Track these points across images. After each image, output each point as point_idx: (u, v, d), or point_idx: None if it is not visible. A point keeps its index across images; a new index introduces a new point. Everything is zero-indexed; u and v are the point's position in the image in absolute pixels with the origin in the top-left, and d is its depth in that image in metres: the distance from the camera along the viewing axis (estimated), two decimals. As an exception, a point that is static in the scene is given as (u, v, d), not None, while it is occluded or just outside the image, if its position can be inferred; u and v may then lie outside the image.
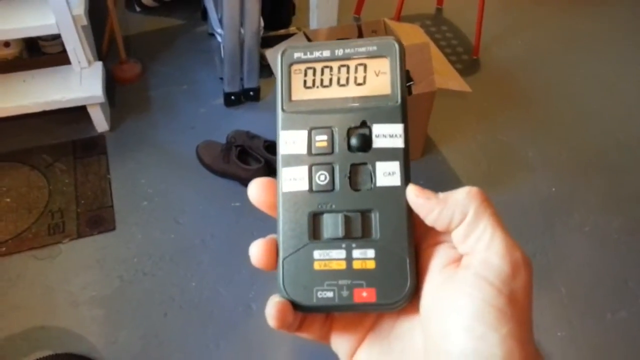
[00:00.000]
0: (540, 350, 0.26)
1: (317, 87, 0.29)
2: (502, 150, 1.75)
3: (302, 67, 0.29)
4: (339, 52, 0.29)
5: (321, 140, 0.28)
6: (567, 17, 2.37)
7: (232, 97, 1.82)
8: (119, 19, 1.85)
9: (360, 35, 1.69)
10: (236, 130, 1.65)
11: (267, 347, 1.24)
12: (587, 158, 1.72)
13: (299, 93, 0.29)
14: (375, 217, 0.28)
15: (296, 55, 0.30)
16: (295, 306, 0.27)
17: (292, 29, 2.02)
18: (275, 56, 0.29)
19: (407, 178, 0.28)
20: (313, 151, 0.28)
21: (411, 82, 1.47)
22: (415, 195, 0.27)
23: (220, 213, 1.50)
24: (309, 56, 0.29)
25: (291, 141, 0.29)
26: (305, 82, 0.29)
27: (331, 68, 0.29)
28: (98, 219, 1.47)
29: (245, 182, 1.57)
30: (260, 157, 1.59)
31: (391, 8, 2.12)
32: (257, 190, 0.29)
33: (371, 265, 0.27)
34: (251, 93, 1.84)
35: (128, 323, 1.27)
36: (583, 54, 2.17)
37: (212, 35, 2.02)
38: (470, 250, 0.25)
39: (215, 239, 1.44)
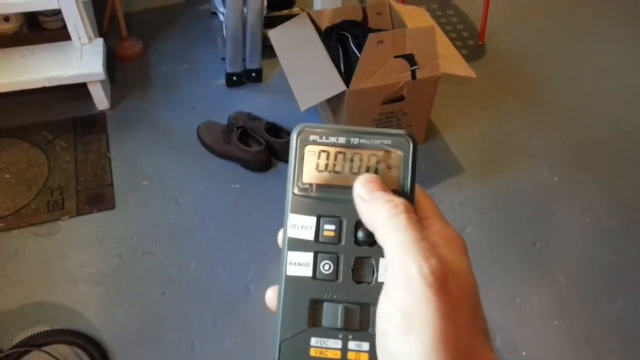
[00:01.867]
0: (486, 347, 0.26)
1: (330, 172, 0.30)
2: (505, 138, 1.74)
3: (317, 149, 0.30)
4: (355, 141, 0.30)
5: (329, 230, 0.29)
6: (574, 3, 2.33)
7: (234, 78, 1.81)
8: (121, -4, 1.82)
9: (365, 17, 1.67)
10: (238, 112, 1.63)
11: (265, 328, 1.25)
12: (590, 148, 1.71)
13: (311, 175, 0.30)
14: (373, 312, 0.28)
15: (312, 137, 0.30)
16: None
17: (295, 9, 2.00)
18: (292, 136, 0.30)
19: None
20: (320, 239, 0.29)
21: (415, 67, 1.45)
22: (360, 187, 0.29)
23: (220, 194, 1.50)
24: (324, 140, 0.30)
25: (299, 226, 0.29)
26: (318, 165, 0.30)
27: (345, 155, 0.30)
28: (98, 197, 1.47)
29: (246, 164, 1.56)
30: (261, 139, 1.58)
31: (397, -9, 2.09)
32: (274, 297, 0.30)
33: (365, 358, 0.28)
34: (253, 74, 1.82)
35: (126, 301, 1.27)
36: (589, 41, 2.14)
37: (215, 14, 2.00)
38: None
39: (215, 220, 1.44)
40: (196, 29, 2.04)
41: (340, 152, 0.30)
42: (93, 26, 1.71)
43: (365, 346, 0.28)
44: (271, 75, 1.86)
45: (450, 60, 1.53)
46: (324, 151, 0.30)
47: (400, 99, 1.52)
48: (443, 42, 1.57)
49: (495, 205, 1.53)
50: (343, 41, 1.60)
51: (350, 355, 0.28)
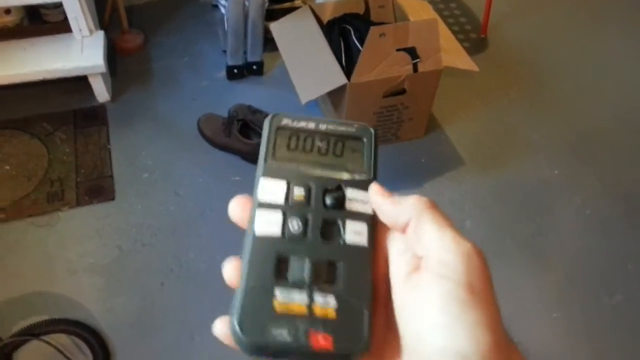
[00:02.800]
0: (513, 340, 0.26)
1: (299, 151, 0.32)
2: (507, 131, 1.73)
3: (288, 132, 0.33)
4: (322, 127, 0.33)
5: (299, 193, 0.31)
6: (578, -2, 2.32)
7: (235, 71, 1.80)
8: (121, -12, 1.82)
9: (367, 9, 1.66)
10: (238, 104, 1.63)
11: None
12: (591, 141, 1.71)
13: (283, 152, 0.32)
14: (340, 268, 0.28)
15: (284, 121, 0.33)
16: (245, 344, 0.26)
17: (297, 2, 1.99)
18: (265, 121, 0.32)
19: (372, 242, 0.29)
20: (290, 202, 0.30)
21: (417, 60, 1.45)
22: (374, 193, 0.30)
23: (220, 186, 1.50)
24: (295, 124, 0.33)
25: (270, 189, 0.31)
26: (289, 144, 0.32)
27: (313, 138, 0.33)
28: (97, 189, 1.47)
29: (246, 156, 1.56)
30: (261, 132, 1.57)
31: (399, -16, 2.08)
32: (237, 208, 0.31)
33: (331, 312, 0.27)
34: (254, 67, 1.82)
35: (125, 291, 1.27)
36: (591, 34, 2.13)
37: (216, 6, 1.99)
38: (426, 252, 0.27)
39: (214, 212, 1.43)
40: (197, 21, 2.04)
41: (309, 136, 0.33)
42: (94, 18, 1.71)
43: (332, 301, 0.27)
44: (272, 67, 1.85)
45: (452, 53, 1.53)
46: (294, 134, 0.33)
47: (402, 92, 1.51)
48: (445, 35, 1.56)
49: (496, 198, 1.53)
50: (345, 34, 1.59)
51: (317, 309, 0.27)
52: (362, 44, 1.44)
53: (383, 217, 0.30)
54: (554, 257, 1.40)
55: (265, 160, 0.32)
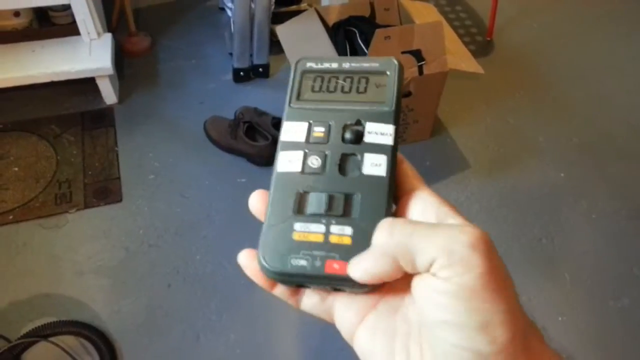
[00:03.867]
0: (534, 325, 0.26)
1: (323, 91, 0.33)
2: (512, 133, 1.73)
3: (313, 74, 0.34)
4: (346, 66, 0.34)
5: (318, 131, 0.31)
6: (582, 0, 2.31)
7: (241, 73, 1.81)
8: (129, -9, 1.83)
9: (373, 12, 1.67)
10: (244, 107, 1.64)
11: (270, 320, 1.25)
12: (597, 144, 1.70)
13: (307, 94, 0.33)
14: (357, 200, 0.29)
15: (309, 65, 0.34)
16: (269, 272, 0.29)
17: (303, 5, 2.00)
18: (292, 66, 0.33)
19: (392, 172, 0.30)
20: (310, 140, 0.31)
21: (423, 62, 1.45)
22: (354, 271, 0.27)
23: (226, 188, 1.51)
24: (319, 66, 0.34)
25: (292, 131, 0.32)
26: (313, 86, 0.33)
27: (337, 78, 0.33)
28: (105, 190, 1.48)
29: (252, 158, 1.57)
30: (267, 134, 1.58)
31: (405, -14, 2.09)
32: (257, 201, 0.31)
33: (347, 241, 0.28)
34: (260, 69, 1.83)
35: (132, 293, 1.28)
36: (597, 37, 2.13)
37: (223, 9, 2.00)
38: (425, 268, 0.25)
39: (221, 213, 1.44)
40: (204, 24, 2.05)
41: (333, 76, 0.33)
42: (102, 21, 1.72)
43: (348, 230, 0.28)
44: (278, 70, 1.86)
45: (457, 56, 1.53)
46: (319, 76, 0.34)
47: (407, 94, 1.52)
48: (451, 38, 1.56)
49: (502, 201, 1.53)
50: (350, 37, 1.60)
51: (333, 238, 0.28)
52: (367, 46, 1.44)
53: (389, 277, 0.27)
54: (560, 260, 1.40)
55: (290, 104, 0.33)
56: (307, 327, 1.24)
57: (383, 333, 0.27)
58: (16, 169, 1.53)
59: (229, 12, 1.76)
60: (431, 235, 0.25)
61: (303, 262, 0.28)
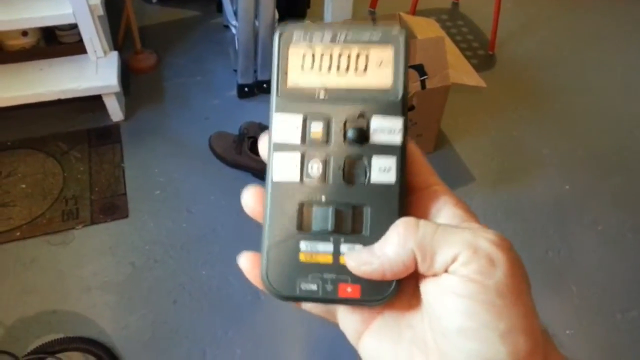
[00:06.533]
0: (546, 329, 0.25)
1: (316, 72, 0.28)
2: (516, 146, 1.74)
3: (301, 49, 0.28)
4: (341, 37, 0.27)
5: (316, 130, 0.27)
6: (585, 13, 2.33)
7: (246, 89, 1.83)
8: (134, 10, 1.86)
9: (375, 28, 1.68)
10: (249, 122, 1.65)
11: (276, 336, 1.25)
12: (602, 156, 1.70)
13: (296, 77, 0.28)
14: (366, 214, 0.27)
15: (295, 36, 0.28)
16: (277, 295, 0.27)
17: (306, 21, 2.02)
18: (274, 37, 0.27)
19: (402, 176, 0.27)
20: (307, 140, 0.27)
21: (425, 77, 1.46)
22: (355, 267, 0.26)
23: (231, 203, 1.51)
24: (308, 39, 0.28)
25: (285, 127, 0.27)
26: (303, 65, 0.28)
27: (331, 53, 0.28)
28: (111, 207, 1.49)
29: (257, 173, 1.58)
30: (272, 149, 1.59)
31: (407, 2, 2.11)
32: (251, 200, 0.28)
33: None
34: (264, 85, 1.84)
35: (139, 309, 1.28)
36: (600, 50, 2.14)
37: (227, 27, 2.03)
38: (443, 267, 0.25)
39: (226, 228, 1.45)
40: (208, 41, 2.08)
41: (326, 50, 0.28)
42: (108, 39, 1.75)
43: (359, 249, 0.26)
44: (282, 86, 1.87)
45: (460, 70, 1.54)
46: (308, 51, 0.28)
47: (410, 108, 1.53)
48: (453, 52, 1.58)
49: (507, 214, 1.53)
50: (353, 52, 1.61)
51: (343, 258, 0.26)
52: (371, 62, 1.46)
53: (390, 277, 0.25)
54: (566, 273, 1.40)
55: (278, 90, 0.28)
56: (313, 342, 1.24)
57: (388, 340, 0.27)
58: (23, 185, 1.54)
59: (233, 30, 1.78)
60: (456, 233, 0.24)
61: (313, 287, 0.26)
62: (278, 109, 0.27)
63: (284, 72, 0.28)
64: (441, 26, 1.75)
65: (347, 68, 0.27)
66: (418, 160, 0.28)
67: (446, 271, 0.24)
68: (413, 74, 1.45)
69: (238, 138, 1.61)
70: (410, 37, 0.28)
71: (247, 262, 0.28)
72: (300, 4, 2.01)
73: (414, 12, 2.10)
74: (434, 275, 0.24)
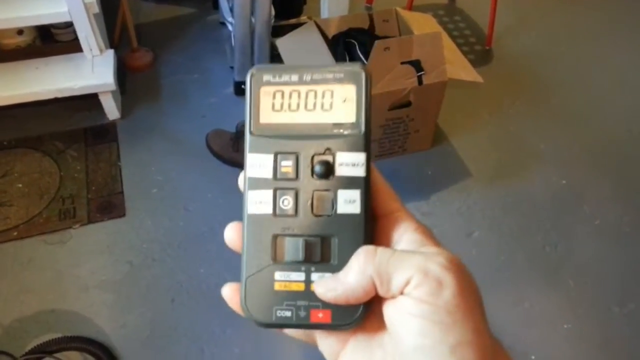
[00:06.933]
0: (500, 343, 0.27)
1: (285, 110, 0.30)
2: (513, 141, 1.73)
3: (271, 89, 0.30)
4: (307, 77, 0.30)
5: (286, 165, 0.29)
6: (581, 8, 2.33)
7: (243, 86, 1.81)
8: (130, 8, 1.86)
9: (372, 24, 1.68)
10: (246, 119, 1.65)
11: (273, 334, 1.25)
12: (599, 151, 1.70)
13: (267, 116, 0.30)
14: (334, 243, 0.29)
15: (265, 77, 0.30)
16: (256, 322, 0.29)
17: (303, 18, 2.02)
18: (246, 79, 0.30)
19: (367, 205, 0.29)
20: (278, 176, 0.29)
21: (422, 72, 1.46)
22: (323, 294, 0.28)
23: (228, 201, 1.51)
24: (278, 79, 0.30)
25: (257, 164, 0.29)
26: (273, 104, 0.30)
27: (299, 92, 0.30)
28: (108, 205, 1.49)
29: (254, 171, 1.57)
30: (269, 146, 1.59)
31: (403, -2, 2.11)
32: (232, 233, 0.31)
33: None
34: (261, 82, 1.84)
35: (136, 308, 1.28)
36: (597, 45, 2.13)
37: (223, 24, 2.02)
38: (399, 290, 0.26)
39: (224, 226, 1.41)
40: (205, 39, 2.07)
41: (294, 90, 0.30)
42: (104, 37, 1.74)
43: (328, 277, 0.28)
44: (279, 83, 1.87)
45: (456, 66, 1.54)
46: (278, 90, 0.30)
47: (407, 104, 1.52)
48: (450, 48, 1.57)
49: (504, 209, 1.53)
50: (350, 48, 1.61)
51: (313, 286, 0.28)
52: (367, 57, 1.46)
53: (355, 302, 0.27)
54: (564, 267, 1.40)
55: (251, 131, 0.30)
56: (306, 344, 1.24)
57: (362, 358, 0.29)
58: (20, 185, 1.54)
59: (230, 27, 1.78)
60: (409, 258, 0.26)
61: (288, 314, 0.28)
62: (251, 150, 0.30)
63: (256, 111, 0.30)
64: (438, 21, 1.75)
65: (314, 106, 0.30)
66: (381, 189, 0.30)
67: (402, 293, 0.26)
68: (410, 69, 1.45)
69: (235, 135, 1.60)
70: (370, 73, 0.30)
71: (229, 292, 0.30)
72: (296, 0, 2.01)
73: (411, 7, 2.09)
74: (392, 297, 0.26)
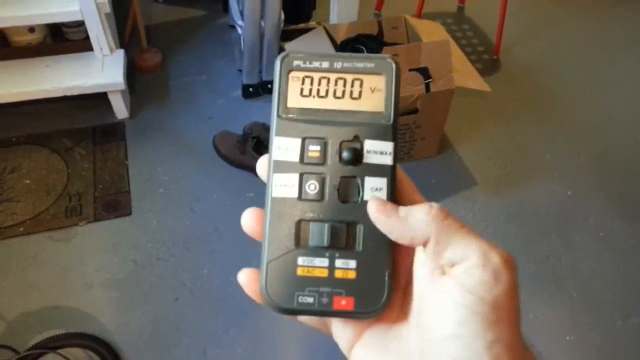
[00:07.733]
0: (530, 350, 0.27)
1: (313, 96, 0.30)
2: (519, 151, 1.74)
3: (300, 74, 0.30)
4: (338, 65, 0.30)
5: (314, 150, 0.29)
6: (589, 19, 2.33)
7: (250, 89, 1.84)
8: (141, 8, 1.87)
9: (381, 30, 1.69)
10: (253, 122, 1.66)
11: (276, 335, 1.26)
12: (604, 162, 1.70)
13: (295, 100, 0.30)
14: (359, 230, 0.28)
15: (295, 62, 0.30)
16: (275, 308, 0.28)
17: (312, 23, 2.03)
18: (275, 62, 0.31)
19: (392, 194, 0.29)
20: (305, 160, 0.29)
21: (429, 80, 1.47)
22: (375, 211, 0.28)
23: (234, 203, 1.52)
24: (308, 65, 0.30)
25: (284, 148, 0.29)
26: (302, 90, 0.30)
27: (328, 79, 0.30)
28: (115, 204, 1.50)
29: (260, 173, 1.58)
30: (275, 149, 1.59)
31: (412, 5, 2.12)
32: (251, 221, 0.30)
33: (352, 275, 0.28)
34: (269, 85, 1.85)
35: (140, 306, 1.29)
36: (603, 56, 2.14)
37: (233, 27, 2.03)
38: (449, 263, 0.26)
39: (229, 228, 1.45)
40: (214, 41, 2.08)
41: (323, 77, 0.30)
42: (114, 37, 1.75)
43: (352, 264, 0.28)
44: (286, 87, 1.88)
45: (464, 74, 1.54)
46: (307, 76, 0.30)
47: (414, 111, 1.53)
48: (458, 56, 1.58)
49: (509, 219, 1.53)
50: (358, 54, 1.62)
51: (337, 272, 0.28)
52: (376, 64, 1.46)
53: (393, 237, 0.27)
54: (568, 278, 1.40)
55: (278, 114, 0.30)
56: (313, 342, 1.24)
57: (376, 351, 0.28)
58: (27, 181, 1.55)
59: (239, 30, 1.79)
60: (476, 240, 0.26)
61: (310, 300, 0.28)
62: (278, 133, 0.30)
63: (284, 95, 0.30)
64: (446, 30, 1.75)
65: (343, 93, 0.30)
66: (404, 181, 0.30)
67: (444, 274, 0.25)
68: (418, 76, 1.45)
69: (242, 138, 1.61)
70: (400, 65, 0.30)
71: (246, 277, 0.30)
72: (306, 5, 2.02)
73: (420, 15, 2.10)
74: (435, 269, 0.26)
